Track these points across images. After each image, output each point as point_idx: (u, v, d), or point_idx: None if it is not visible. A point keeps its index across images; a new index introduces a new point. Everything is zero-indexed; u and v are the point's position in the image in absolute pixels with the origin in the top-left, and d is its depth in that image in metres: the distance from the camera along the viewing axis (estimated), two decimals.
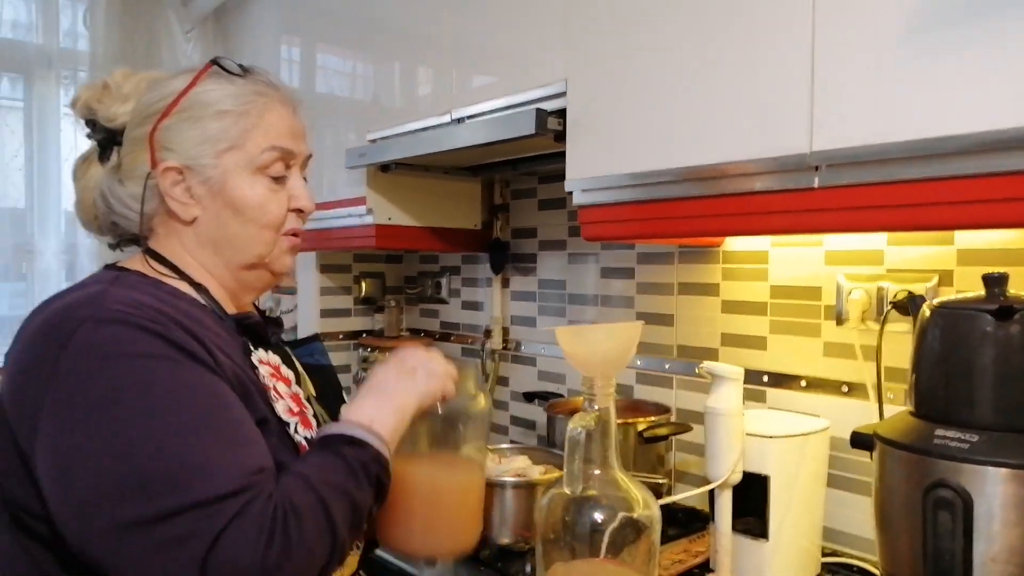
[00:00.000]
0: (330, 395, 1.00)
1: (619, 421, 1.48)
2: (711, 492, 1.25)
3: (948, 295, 1.13)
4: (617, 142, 1.24)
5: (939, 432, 0.79)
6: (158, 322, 0.73)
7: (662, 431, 1.47)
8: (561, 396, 1.79)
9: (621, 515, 0.97)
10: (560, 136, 1.34)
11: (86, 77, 3.26)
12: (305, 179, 0.93)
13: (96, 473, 0.67)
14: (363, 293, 2.38)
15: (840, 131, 0.96)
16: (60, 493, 0.69)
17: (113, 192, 0.87)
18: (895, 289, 1.28)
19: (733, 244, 1.54)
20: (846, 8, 0.95)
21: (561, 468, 0.97)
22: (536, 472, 1.39)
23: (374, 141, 1.80)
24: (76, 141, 3.20)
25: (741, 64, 1.07)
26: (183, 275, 0.86)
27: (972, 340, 0.80)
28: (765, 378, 1.48)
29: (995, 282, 0.84)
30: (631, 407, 1.64)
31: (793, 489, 1.25)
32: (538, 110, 1.30)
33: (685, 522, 1.49)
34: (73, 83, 3.25)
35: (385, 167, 1.83)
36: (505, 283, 2.09)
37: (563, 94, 1.32)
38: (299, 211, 0.90)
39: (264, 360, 0.89)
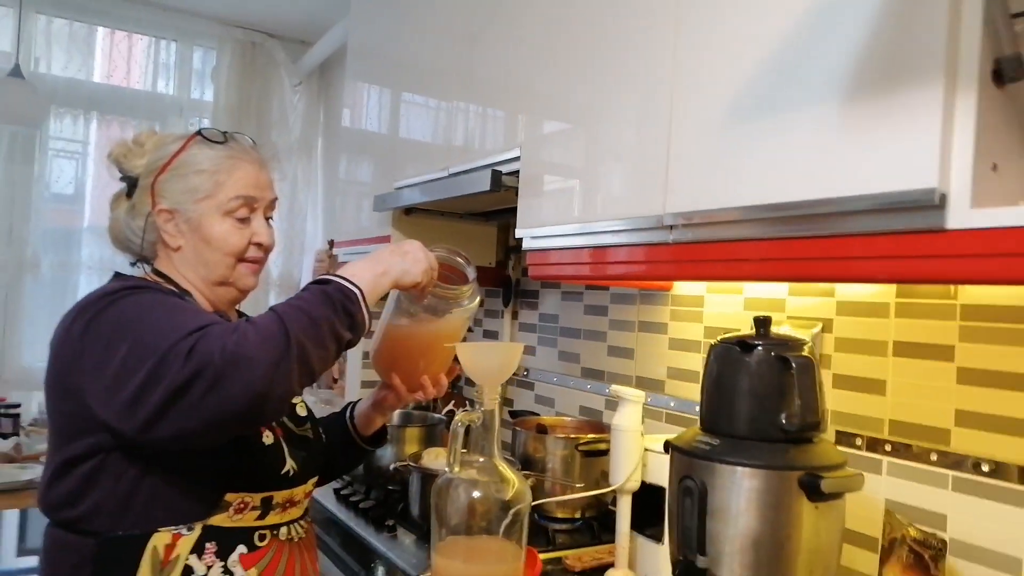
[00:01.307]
0: None
1: (563, 436, 1.74)
2: (616, 497, 1.47)
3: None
4: (549, 199, 1.52)
5: (699, 438, 1.01)
6: (152, 287, 1.08)
7: (600, 446, 1.69)
8: (537, 415, 2.03)
9: (493, 496, 1.22)
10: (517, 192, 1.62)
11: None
12: (269, 219, 1.23)
13: (115, 362, 0.94)
14: None
15: (685, 197, 1.19)
16: (102, 395, 0.97)
17: (128, 224, 1.20)
18: (792, 332, 1.47)
19: (679, 288, 1.76)
20: (693, 102, 1.19)
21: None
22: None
23: (399, 188, 2.14)
24: None
25: (622, 144, 1.32)
26: (174, 284, 1.18)
27: (727, 367, 1.02)
28: (697, 408, 1.67)
29: (761, 323, 1.05)
30: (590, 427, 1.87)
31: None
32: (493, 171, 1.59)
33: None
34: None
35: (408, 210, 2.17)
36: (514, 315, 2.37)
37: (518, 159, 1.61)
38: (259, 244, 1.19)
39: None
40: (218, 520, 1.08)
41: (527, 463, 1.74)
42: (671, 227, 1.22)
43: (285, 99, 4.02)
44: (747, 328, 1.57)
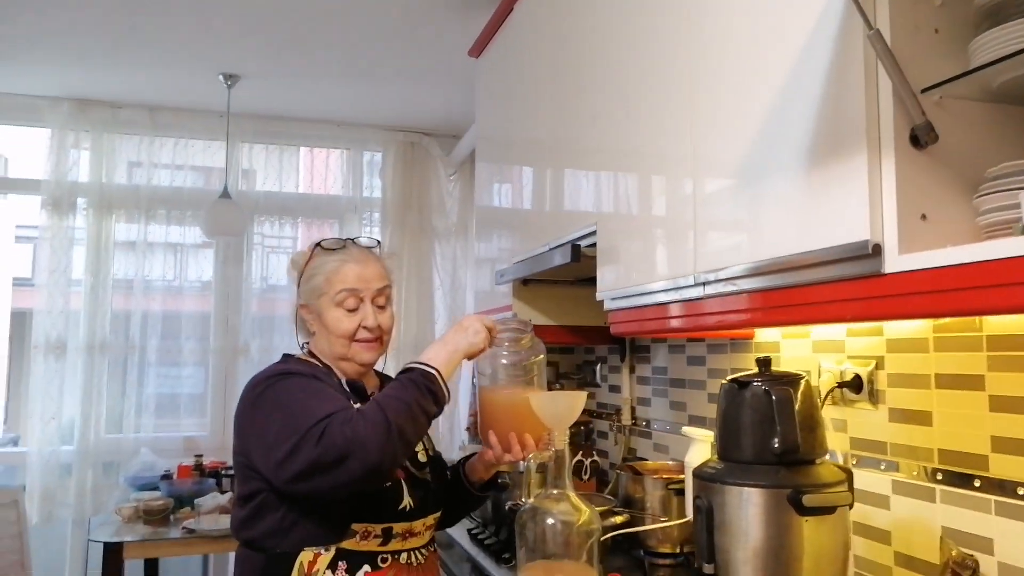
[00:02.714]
0: None
1: (656, 476, 1.91)
2: None
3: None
4: (623, 266, 1.74)
5: (711, 464, 1.18)
6: (300, 370, 1.40)
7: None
8: (645, 459, 2.20)
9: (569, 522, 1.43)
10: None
11: (379, 217, 4.39)
12: (382, 306, 1.51)
13: (272, 431, 1.30)
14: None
15: (711, 257, 1.38)
16: (262, 455, 1.33)
17: (296, 316, 1.57)
18: (852, 370, 1.57)
19: (761, 336, 1.90)
20: (708, 181, 1.39)
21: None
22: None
23: (517, 263, 2.44)
24: None
25: (662, 218, 1.53)
26: (319, 360, 1.52)
27: (731, 402, 1.18)
28: None
29: (763, 363, 1.21)
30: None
31: None
32: (573, 245, 1.85)
33: None
34: (370, 223, 4.43)
35: (525, 281, 2.47)
36: (632, 369, 2.56)
37: (594, 233, 1.86)
38: (367, 327, 1.45)
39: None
40: (348, 544, 1.37)
41: (627, 503, 1.92)
42: (704, 284, 1.41)
43: (442, 188, 4.53)
44: (814, 368, 1.70)
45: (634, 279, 1.68)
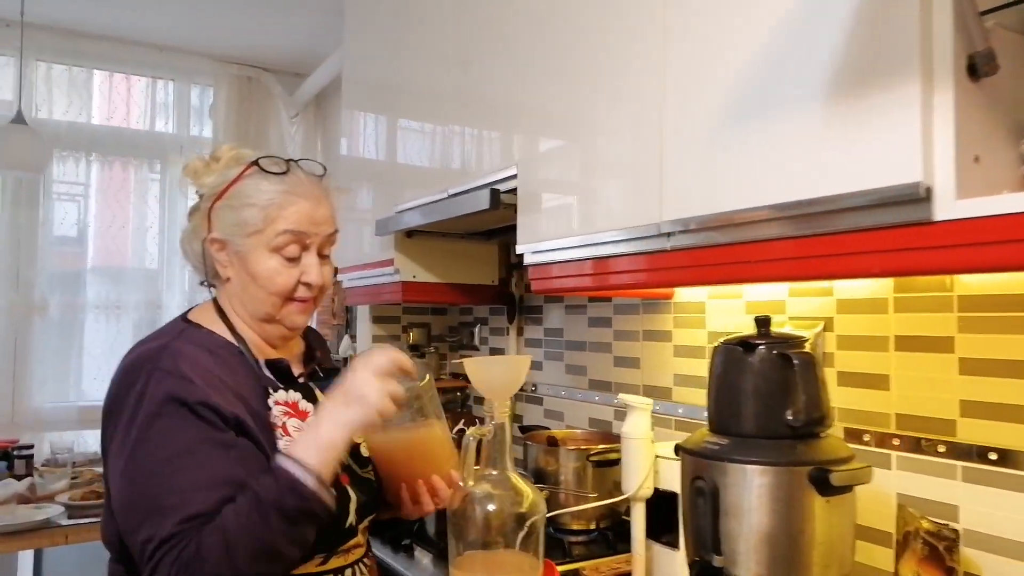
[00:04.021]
0: None
1: (573, 448, 1.75)
2: (629, 506, 1.48)
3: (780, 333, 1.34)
4: (548, 214, 1.54)
5: (708, 439, 1.03)
6: (188, 385, 0.98)
7: (611, 456, 1.70)
8: (547, 428, 2.04)
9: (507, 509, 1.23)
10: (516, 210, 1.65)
11: None
12: (327, 256, 1.16)
13: (125, 495, 0.97)
14: (411, 341, 2.74)
15: (681, 204, 1.22)
16: (117, 506, 1.00)
17: (190, 243, 1.16)
18: (794, 333, 1.48)
19: (681, 296, 1.78)
20: (682, 110, 1.22)
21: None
22: None
23: (400, 212, 2.17)
24: None
25: (616, 156, 1.35)
26: (229, 324, 1.12)
27: (731, 368, 1.04)
28: (706, 414, 1.69)
29: (763, 323, 1.07)
30: (600, 438, 1.88)
31: None
32: (492, 189, 1.62)
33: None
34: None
35: (409, 233, 2.20)
36: (520, 331, 2.39)
37: (515, 176, 1.64)
38: (308, 284, 1.12)
39: (281, 400, 1.10)
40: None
41: (539, 477, 1.75)
42: (669, 234, 1.24)
43: (283, 131, 4.08)
44: (749, 331, 1.61)
45: (566, 229, 1.48)
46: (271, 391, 1.10)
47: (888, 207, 0.90)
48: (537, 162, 1.58)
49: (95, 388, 3.57)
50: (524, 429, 2.14)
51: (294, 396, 1.13)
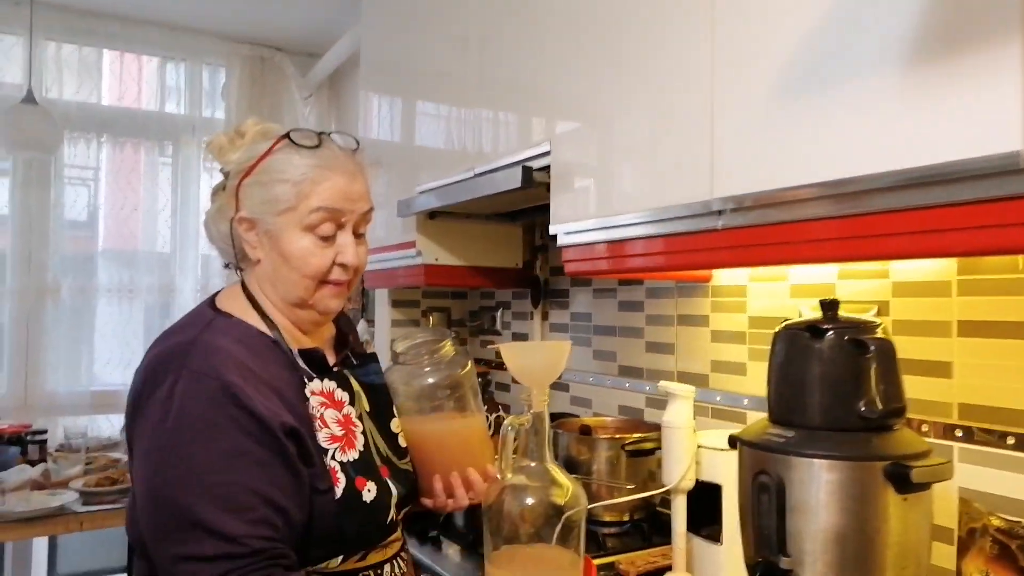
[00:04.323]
0: (382, 410, 1.16)
1: (607, 436, 1.68)
2: (666, 498, 1.41)
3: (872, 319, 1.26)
4: (583, 193, 1.46)
5: (770, 431, 0.95)
6: (225, 384, 0.91)
7: (646, 445, 1.63)
8: (576, 416, 1.98)
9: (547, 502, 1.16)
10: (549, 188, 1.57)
11: None
12: (362, 235, 1.09)
13: (153, 506, 0.90)
14: (431, 325, 2.67)
15: (734, 180, 1.14)
16: (142, 513, 0.93)
17: (217, 224, 1.08)
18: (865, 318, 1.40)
19: (719, 279, 1.70)
20: (735, 77, 1.14)
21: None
22: None
23: (422, 192, 2.09)
24: None
25: (659, 129, 1.27)
26: (260, 310, 1.05)
27: (796, 355, 0.96)
28: (745, 401, 1.62)
29: (828, 306, 0.99)
30: (633, 426, 1.81)
31: None
32: (524, 167, 1.54)
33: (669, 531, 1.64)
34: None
35: (432, 214, 2.13)
36: (544, 316, 2.32)
37: (548, 153, 1.56)
38: (343, 265, 1.05)
39: (317, 390, 1.03)
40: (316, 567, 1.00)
41: (571, 466, 1.68)
42: (720, 212, 1.16)
43: (296, 112, 3.99)
44: (794, 316, 1.53)
45: (603, 208, 1.41)
46: (306, 381, 1.03)
47: (978, 180, 0.82)
48: (572, 137, 1.50)
49: (108, 373, 3.52)
50: (552, 417, 2.07)
51: (329, 385, 1.07)
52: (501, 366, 2.54)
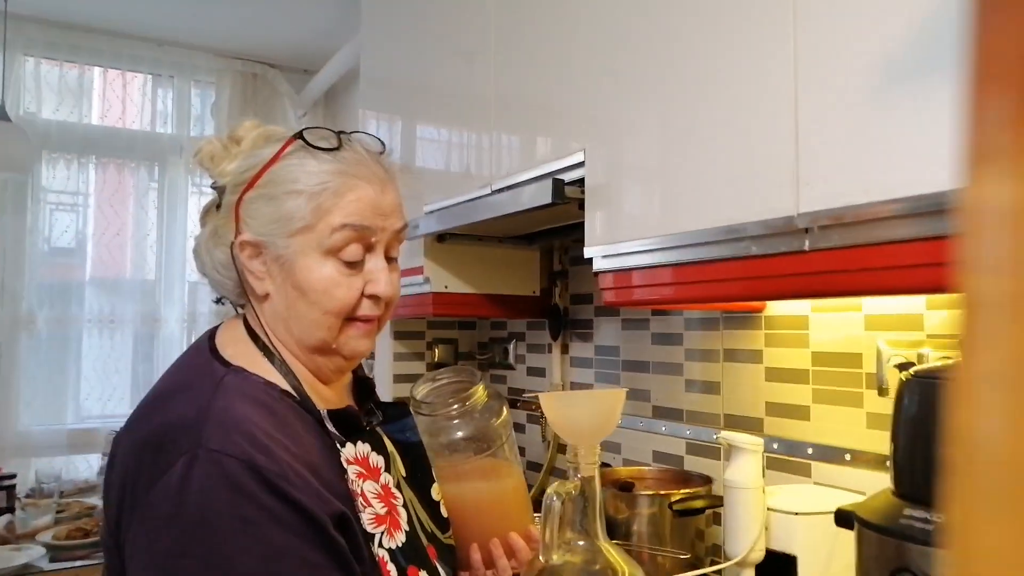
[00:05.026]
0: (419, 473, 0.97)
1: (650, 492, 1.46)
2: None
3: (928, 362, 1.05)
4: (627, 209, 1.25)
5: (907, 512, 0.73)
6: (255, 467, 0.69)
7: (697, 504, 1.41)
8: (608, 465, 1.75)
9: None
10: (583, 204, 1.36)
11: None
12: (395, 258, 0.89)
13: None
14: (436, 359, 2.45)
15: (826, 192, 0.93)
16: None
17: (210, 252, 0.87)
18: (937, 355, 1.19)
19: (774, 309, 1.49)
20: (824, 78, 0.94)
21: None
22: None
23: (430, 213, 1.88)
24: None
25: (732, 134, 1.06)
26: (271, 357, 0.83)
27: (934, 411, 0.75)
28: (810, 450, 1.40)
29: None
30: (676, 478, 1.59)
31: (827, 572, 1.17)
32: (555, 180, 1.34)
33: None
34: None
35: (441, 237, 1.91)
36: (564, 349, 2.10)
37: (582, 164, 1.35)
38: (374, 297, 0.84)
39: (352, 458, 0.83)
40: None
41: (607, 528, 1.45)
42: (807, 230, 0.95)
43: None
44: (870, 351, 1.31)
45: (653, 227, 1.20)
46: (339, 447, 0.81)
47: None
48: (612, 144, 1.30)
49: (88, 407, 3.28)
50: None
51: (363, 449, 0.85)
52: (515, 404, 2.31)
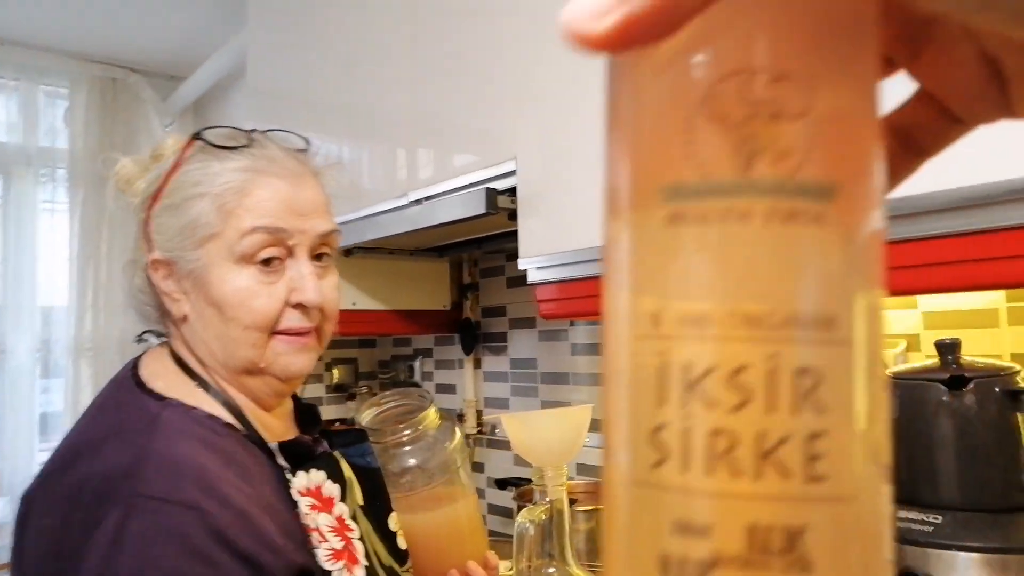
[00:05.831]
0: (377, 501, 0.90)
1: (588, 508, 1.42)
2: None
3: (908, 363, 1.09)
4: (567, 215, 1.22)
5: (902, 515, 0.74)
6: (202, 516, 0.61)
7: None
8: (526, 481, 1.71)
9: None
10: (514, 214, 1.32)
11: (64, 174, 3.29)
12: (321, 257, 0.80)
13: None
14: (335, 380, 2.32)
15: None
16: None
17: (131, 282, 0.80)
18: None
19: None
20: None
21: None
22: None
23: (344, 223, 1.77)
24: (54, 237, 3.21)
25: None
26: (208, 386, 0.75)
27: (927, 413, 0.76)
28: None
29: (948, 349, 0.80)
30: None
31: None
32: (488, 189, 1.28)
33: None
34: (51, 180, 3.28)
35: (347, 251, 1.81)
36: (477, 364, 2.04)
37: (513, 172, 1.31)
38: (302, 305, 0.76)
39: (304, 489, 0.76)
40: None
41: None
42: None
43: (155, 142, 3.53)
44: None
45: (597, 234, 1.17)
46: (289, 478, 0.74)
47: None
48: (547, 150, 1.26)
49: None
50: (501, 484, 1.80)
51: (317, 478, 0.78)
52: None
